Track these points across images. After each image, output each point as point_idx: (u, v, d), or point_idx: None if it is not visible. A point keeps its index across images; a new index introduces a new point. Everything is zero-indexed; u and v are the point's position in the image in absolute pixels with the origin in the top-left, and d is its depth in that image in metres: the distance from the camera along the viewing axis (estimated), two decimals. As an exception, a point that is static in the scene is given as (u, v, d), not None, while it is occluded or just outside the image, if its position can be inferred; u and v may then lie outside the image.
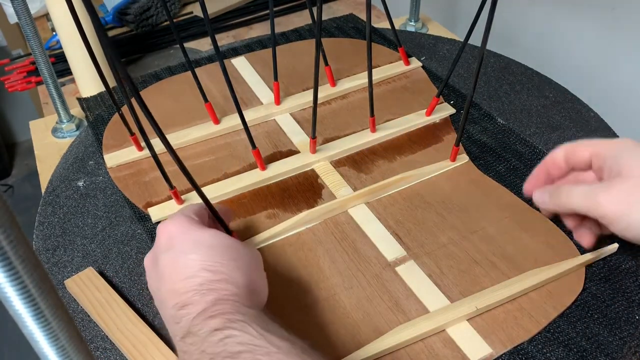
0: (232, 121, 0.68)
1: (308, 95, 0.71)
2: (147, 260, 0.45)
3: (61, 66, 0.88)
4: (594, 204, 0.46)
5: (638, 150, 0.47)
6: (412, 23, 0.90)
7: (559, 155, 0.51)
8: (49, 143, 0.74)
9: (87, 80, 0.78)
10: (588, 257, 0.51)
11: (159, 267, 0.42)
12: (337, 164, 0.63)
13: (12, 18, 1.14)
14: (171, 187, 0.56)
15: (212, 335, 0.36)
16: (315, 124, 0.60)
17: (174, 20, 1.00)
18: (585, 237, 0.51)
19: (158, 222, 0.58)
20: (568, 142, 0.52)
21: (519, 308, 0.48)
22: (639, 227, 0.44)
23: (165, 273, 0.42)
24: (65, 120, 0.74)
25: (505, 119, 0.68)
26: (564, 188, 0.49)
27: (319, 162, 0.63)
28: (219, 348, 0.36)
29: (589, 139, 0.51)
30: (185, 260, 0.41)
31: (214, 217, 0.48)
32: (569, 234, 0.54)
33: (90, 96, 0.77)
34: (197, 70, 0.75)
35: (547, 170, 0.53)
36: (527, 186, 0.54)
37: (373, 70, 0.60)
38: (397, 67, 0.76)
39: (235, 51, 0.82)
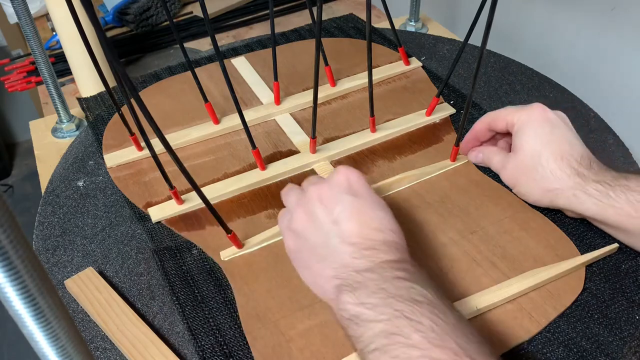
0: (232, 121, 0.68)
1: (308, 95, 0.71)
2: (315, 188, 0.48)
3: (61, 66, 0.88)
4: (500, 173, 0.58)
5: (535, 126, 0.53)
6: (412, 23, 0.90)
7: (483, 124, 0.59)
8: (49, 143, 0.74)
9: (87, 80, 0.78)
10: (588, 257, 0.51)
11: (342, 205, 0.46)
12: (337, 164, 0.63)
13: (12, 18, 1.14)
14: (171, 187, 0.56)
15: (397, 281, 0.41)
16: (315, 124, 0.60)
17: (174, 20, 1.00)
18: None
19: (158, 222, 0.58)
20: None
21: (519, 308, 0.48)
22: (525, 195, 0.55)
23: (351, 213, 0.45)
24: (65, 120, 0.74)
25: (505, 119, 0.67)
26: (488, 153, 0.59)
27: (319, 162, 0.63)
28: (402, 292, 0.40)
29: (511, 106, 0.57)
30: (374, 214, 0.46)
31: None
32: (569, 234, 0.54)
33: (90, 96, 0.77)
34: (197, 70, 0.75)
35: (476, 136, 0.60)
36: (462, 148, 0.62)
37: (373, 70, 0.60)
38: (397, 67, 0.76)
39: (235, 51, 0.82)
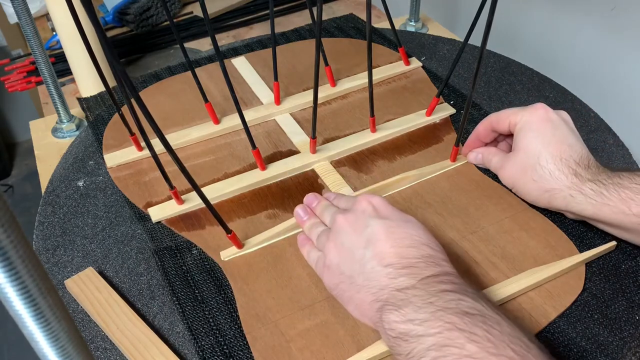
0: (232, 121, 0.68)
1: (308, 95, 0.71)
2: (342, 218, 0.47)
3: (61, 66, 0.88)
4: (498, 174, 0.58)
5: (536, 126, 0.53)
6: (412, 23, 0.90)
7: (485, 125, 0.59)
8: (49, 143, 0.74)
9: (87, 80, 0.78)
10: (586, 255, 0.51)
11: (371, 228, 0.45)
12: (337, 164, 0.63)
13: (12, 18, 1.14)
14: (171, 187, 0.56)
15: (444, 294, 0.40)
16: (315, 124, 0.60)
17: (174, 20, 1.00)
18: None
19: (158, 222, 0.58)
20: None
21: (519, 308, 0.48)
22: (524, 194, 0.55)
23: (379, 235, 0.45)
24: (65, 120, 0.74)
25: (505, 119, 0.67)
26: (487, 154, 0.59)
27: (319, 162, 0.63)
28: (451, 304, 0.39)
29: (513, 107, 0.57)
30: (404, 231, 0.45)
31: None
32: (569, 234, 0.54)
33: (90, 96, 0.77)
34: (197, 70, 0.75)
35: (478, 137, 0.60)
36: (464, 150, 0.62)
37: (373, 70, 0.60)
38: (397, 67, 0.76)
39: (235, 51, 0.82)
